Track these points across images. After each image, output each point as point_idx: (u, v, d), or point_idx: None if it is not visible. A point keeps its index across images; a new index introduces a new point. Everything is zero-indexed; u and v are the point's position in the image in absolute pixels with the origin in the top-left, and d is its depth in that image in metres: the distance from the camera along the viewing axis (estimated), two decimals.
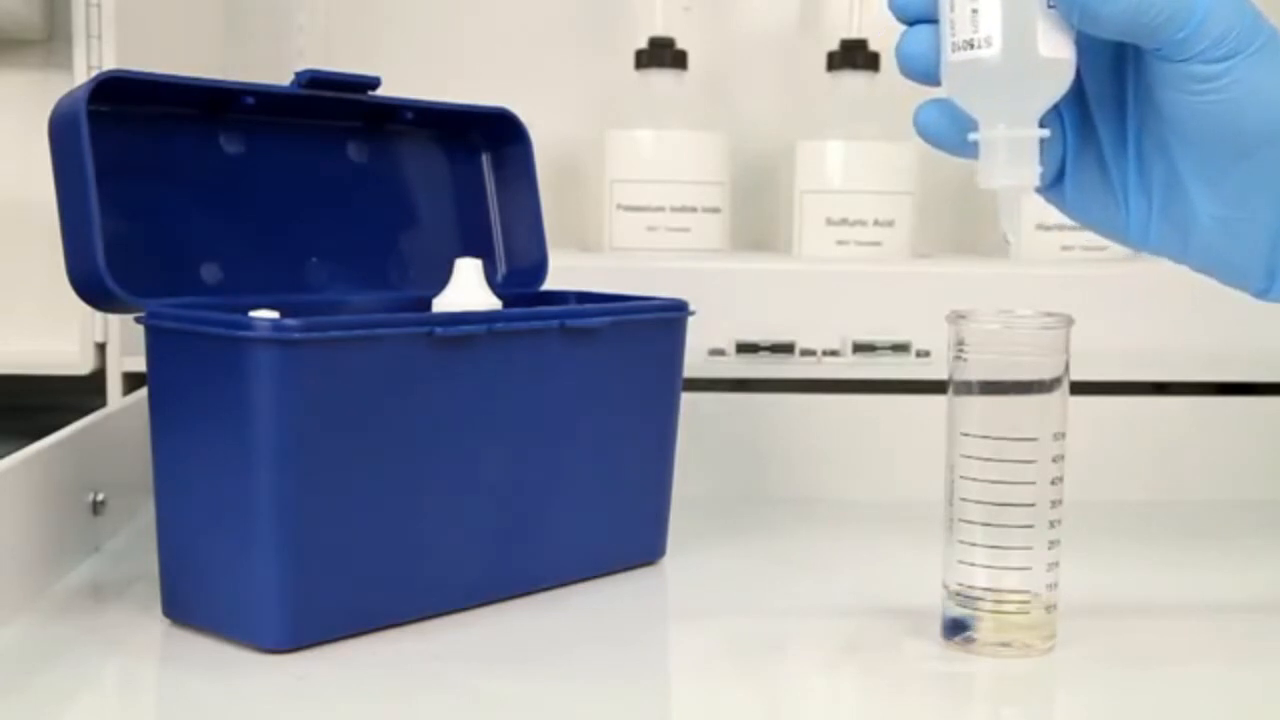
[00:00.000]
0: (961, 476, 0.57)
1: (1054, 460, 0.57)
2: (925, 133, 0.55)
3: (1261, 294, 0.56)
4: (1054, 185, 0.58)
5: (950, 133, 0.55)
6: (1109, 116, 0.56)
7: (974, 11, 0.51)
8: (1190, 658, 0.60)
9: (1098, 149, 0.57)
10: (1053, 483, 0.57)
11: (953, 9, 0.52)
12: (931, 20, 0.53)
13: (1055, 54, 0.51)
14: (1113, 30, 0.51)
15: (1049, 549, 0.57)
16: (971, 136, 0.53)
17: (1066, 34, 0.52)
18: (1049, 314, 0.57)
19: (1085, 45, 0.53)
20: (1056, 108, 0.54)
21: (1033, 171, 0.53)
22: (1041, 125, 0.53)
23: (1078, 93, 0.56)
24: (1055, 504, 0.57)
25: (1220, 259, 0.56)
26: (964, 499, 0.57)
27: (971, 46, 0.51)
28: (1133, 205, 0.57)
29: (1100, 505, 0.79)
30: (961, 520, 0.58)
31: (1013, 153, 0.52)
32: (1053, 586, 0.58)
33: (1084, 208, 0.58)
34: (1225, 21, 0.51)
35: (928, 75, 0.54)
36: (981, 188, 0.53)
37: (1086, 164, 0.57)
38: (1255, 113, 0.52)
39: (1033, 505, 0.57)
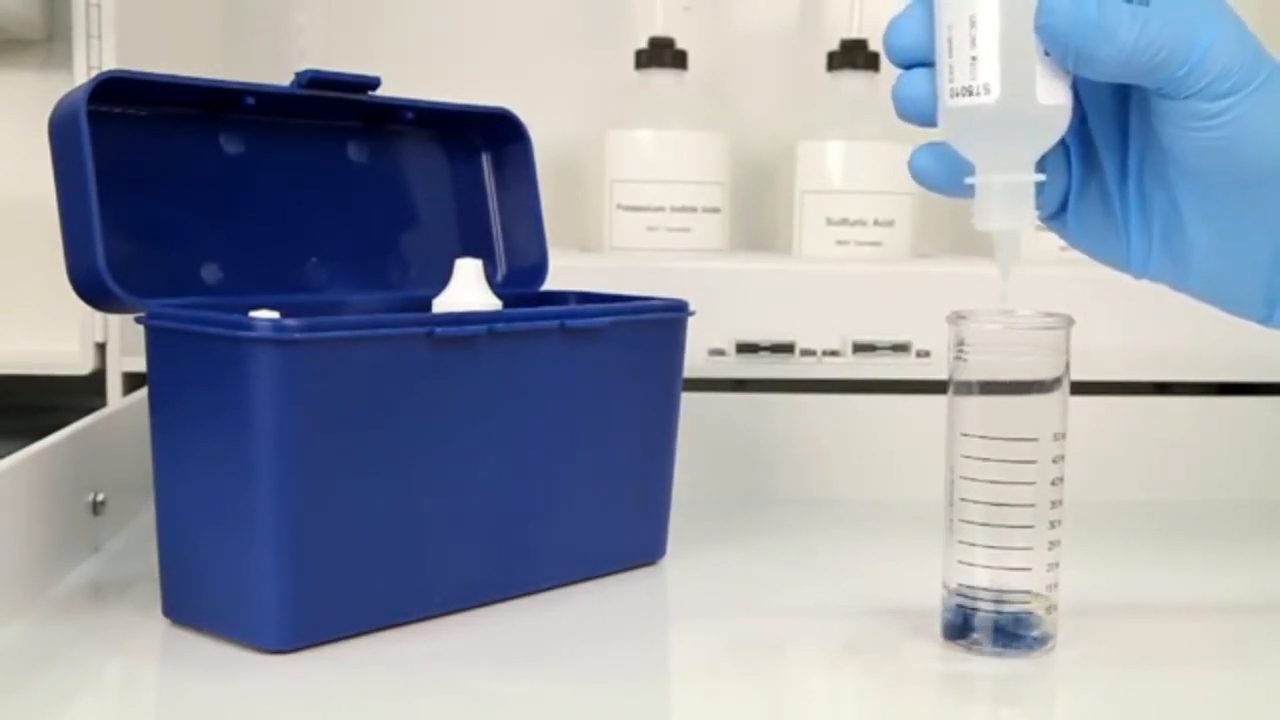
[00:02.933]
0: (962, 477, 0.57)
1: (1054, 460, 0.57)
2: (920, 176, 0.56)
3: (1263, 322, 0.57)
4: (1056, 216, 0.58)
5: (945, 176, 0.55)
6: (1112, 150, 0.56)
7: (973, 59, 0.51)
8: (1190, 658, 0.60)
9: (1100, 181, 0.57)
10: (1053, 483, 0.57)
11: (951, 55, 0.52)
12: (928, 64, 0.53)
13: (1053, 100, 0.51)
14: (1109, 73, 0.51)
15: (1049, 549, 0.57)
16: (968, 180, 0.53)
17: (1063, 79, 0.52)
18: (1049, 314, 0.57)
19: (1087, 80, 0.53)
20: (1062, 141, 0.54)
21: (1029, 214, 0.53)
22: (1039, 168, 0.53)
23: (1081, 126, 0.56)
24: (1055, 504, 0.57)
25: (1219, 289, 0.56)
26: (964, 499, 0.57)
27: (970, 93, 0.51)
28: (1134, 236, 0.57)
29: (1100, 505, 0.79)
30: (962, 520, 0.58)
31: (1009, 197, 0.53)
32: (1053, 586, 0.58)
33: (1085, 238, 0.58)
34: (1226, 58, 0.50)
35: (925, 118, 0.54)
36: (978, 230, 0.53)
37: (1089, 196, 0.57)
38: (1256, 149, 0.52)
39: (1033, 505, 0.57)
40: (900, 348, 0.88)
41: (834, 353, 0.88)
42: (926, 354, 0.88)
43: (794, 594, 0.68)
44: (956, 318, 0.58)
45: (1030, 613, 0.57)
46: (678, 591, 0.69)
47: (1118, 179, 0.56)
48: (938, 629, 0.59)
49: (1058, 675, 0.58)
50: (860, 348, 0.88)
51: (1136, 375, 0.91)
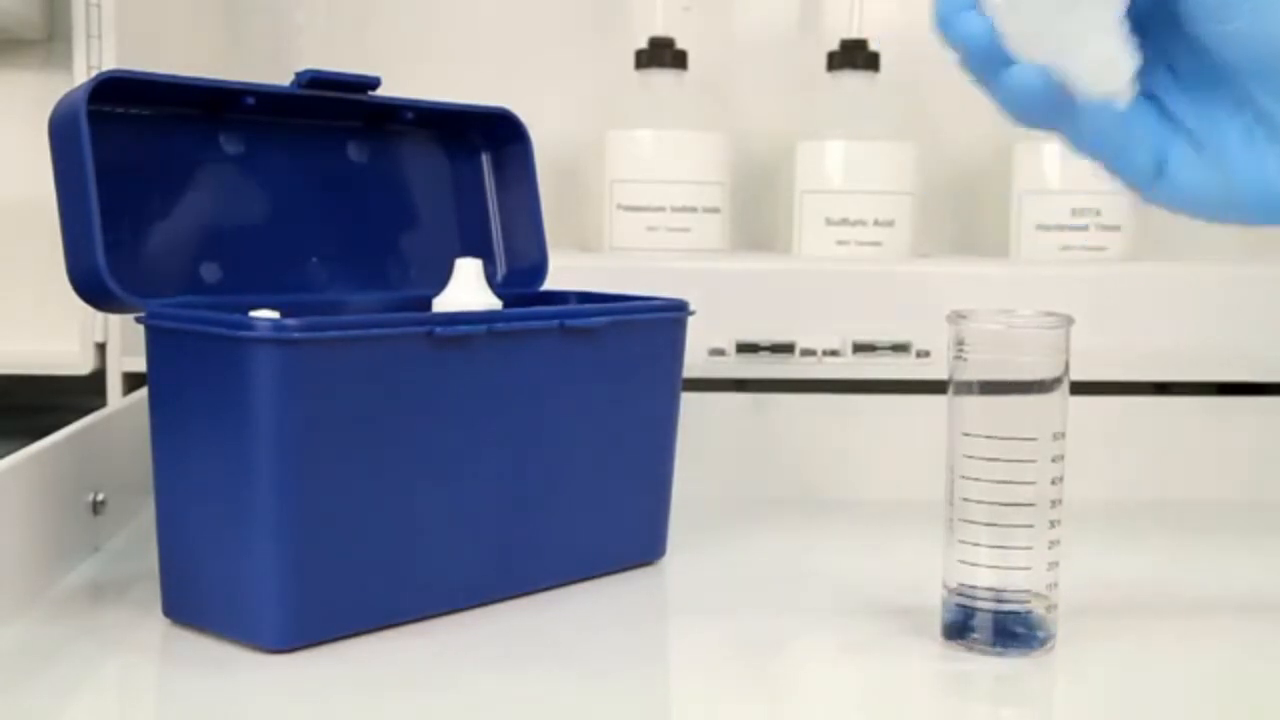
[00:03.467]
0: (962, 476, 0.57)
1: (1054, 460, 0.57)
2: (1024, 93, 0.52)
3: None
4: (1158, 180, 0.55)
5: (1047, 91, 0.51)
6: (1185, 88, 0.55)
7: None
8: (1190, 658, 0.60)
9: (1183, 128, 0.55)
10: (1053, 482, 0.57)
11: None
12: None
13: None
14: None
15: (1049, 548, 0.57)
16: (1046, 51, 0.50)
17: None
18: (1049, 314, 0.57)
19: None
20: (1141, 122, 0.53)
21: (1121, 66, 0.50)
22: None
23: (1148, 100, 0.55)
24: (1055, 504, 0.57)
25: None
26: (965, 499, 0.57)
27: None
28: (1244, 173, 0.54)
29: (1100, 505, 0.79)
30: (962, 520, 0.58)
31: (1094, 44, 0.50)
32: (1053, 586, 0.58)
33: (1194, 196, 0.55)
34: None
35: (990, 47, 0.51)
36: (1080, 96, 0.51)
37: (1178, 147, 0.55)
38: None
39: (1033, 505, 0.57)
40: (900, 348, 0.88)
41: (834, 353, 0.88)
42: (926, 354, 0.88)
43: (794, 594, 0.68)
44: (956, 318, 0.58)
45: (1030, 612, 0.57)
46: (678, 591, 0.69)
47: (1203, 117, 0.54)
48: (938, 629, 0.59)
49: (1058, 675, 0.58)
50: (860, 348, 0.88)
51: (1136, 375, 0.91)
